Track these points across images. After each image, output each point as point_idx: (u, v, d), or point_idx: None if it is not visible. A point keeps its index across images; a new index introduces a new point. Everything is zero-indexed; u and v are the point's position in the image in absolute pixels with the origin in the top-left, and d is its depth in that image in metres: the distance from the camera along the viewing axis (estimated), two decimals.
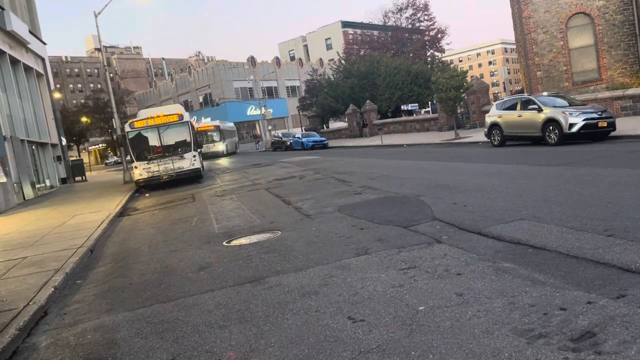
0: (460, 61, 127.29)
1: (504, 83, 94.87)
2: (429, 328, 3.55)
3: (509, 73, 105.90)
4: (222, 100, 64.77)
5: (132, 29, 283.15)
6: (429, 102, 43.30)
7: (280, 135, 45.95)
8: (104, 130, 74.31)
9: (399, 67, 42.19)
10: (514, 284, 4.19)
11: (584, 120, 15.36)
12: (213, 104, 65.43)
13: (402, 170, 14.22)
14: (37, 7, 30.21)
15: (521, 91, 31.27)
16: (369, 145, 31.57)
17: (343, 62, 50.67)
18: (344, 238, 6.68)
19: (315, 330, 3.83)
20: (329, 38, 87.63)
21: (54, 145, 28.88)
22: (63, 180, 29.07)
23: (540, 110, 16.51)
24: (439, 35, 62.88)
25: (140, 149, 19.14)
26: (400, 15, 62.87)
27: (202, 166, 21.95)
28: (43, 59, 29.49)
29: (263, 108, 52.31)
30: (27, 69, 26.33)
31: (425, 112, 46.23)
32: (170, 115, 19.33)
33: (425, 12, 62.69)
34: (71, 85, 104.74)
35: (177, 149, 19.30)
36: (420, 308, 3.94)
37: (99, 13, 24.75)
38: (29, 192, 21.07)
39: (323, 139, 38.80)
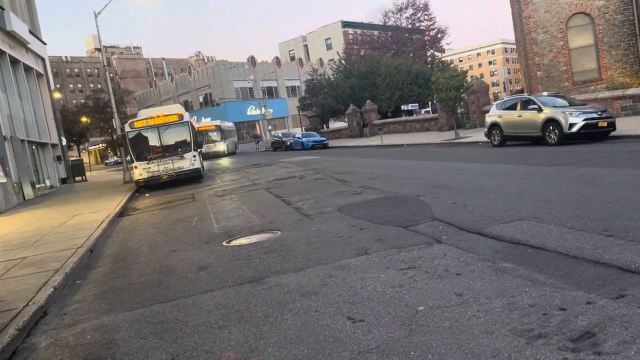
0: (461, 61, 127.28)
1: (504, 83, 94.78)
2: (429, 328, 3.55)
3: (509, 73, 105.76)
4: (222, 100, 64.84)
5: (132, 29, 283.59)
6: (429, 102, 43.31)
7: (280, 135, 45.92)
8: (104, 130, 74.33)
9: (399, 67, 42.20)
10: (513, 284, 4.19)
11: (584, 120, 15.36)
12: (213, 104, 65.50)
13: (402, 170, 14.22)
14: (37, 7, 30.22)
15: (521, 91, 31.23)
16: (369, 145, 31.56)
17: (343, 62, 50.66)
18: (343, 238, 6.68)
19: (315, 330, 3.83)
20: (329, 38, 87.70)
21: (54, 145, 28.88)
22: (63, 180, 29.06)
23: (540, 110, 16.50)
24: (439, 35, 62.94)
25: (140, 149, 19.13)
26: (400, 15, 62.96)
27: (202, 166, 21.94)
28: (43, 59, 29.49)
29: (263, 108, 52.30)
30: (27, 69, 26.33)
31: (425, 112, 46.23)
32: (170, 115, 19.33)
33: (425, 12, 62.77)
34: (71, 85, 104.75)
35: (177, 149, 19.29)
36: (420, 308, 3.94)
37: (99, 13, 24.76)
38: (29, 192, 21.07)
39: (323, 139, 38.78)
